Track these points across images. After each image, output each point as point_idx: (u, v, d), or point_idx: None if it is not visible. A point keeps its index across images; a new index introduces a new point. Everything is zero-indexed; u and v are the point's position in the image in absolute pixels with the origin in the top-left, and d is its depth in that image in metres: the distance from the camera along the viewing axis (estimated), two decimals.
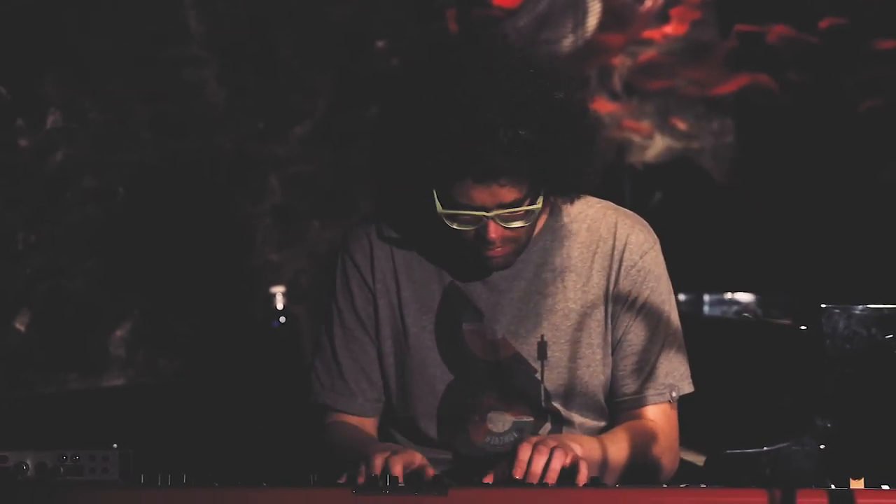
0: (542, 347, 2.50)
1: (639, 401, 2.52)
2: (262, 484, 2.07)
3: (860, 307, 2.48)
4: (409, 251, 2.55)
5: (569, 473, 2.20)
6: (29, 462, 2.11)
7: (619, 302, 2.51)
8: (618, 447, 2.42)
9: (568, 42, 5.09)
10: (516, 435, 2.51)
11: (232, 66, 4.49)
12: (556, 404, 2.51)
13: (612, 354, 2.53)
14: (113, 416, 4.07)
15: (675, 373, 2.53)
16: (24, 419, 3.95)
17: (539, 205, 2.38)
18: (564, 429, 2.51)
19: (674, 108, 5.33)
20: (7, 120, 4.02)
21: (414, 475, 2.22)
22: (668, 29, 5.27)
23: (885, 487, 2.09)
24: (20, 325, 4.05)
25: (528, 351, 2.50)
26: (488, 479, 2.24)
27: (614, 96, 5.25)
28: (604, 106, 5.16)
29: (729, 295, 3.95)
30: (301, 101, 4.66)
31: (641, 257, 2.52)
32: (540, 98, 2.32)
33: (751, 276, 4.41)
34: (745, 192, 5.26)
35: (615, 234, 2.53)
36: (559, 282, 2.52)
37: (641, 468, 2.46)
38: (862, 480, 2.15)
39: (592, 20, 5.05)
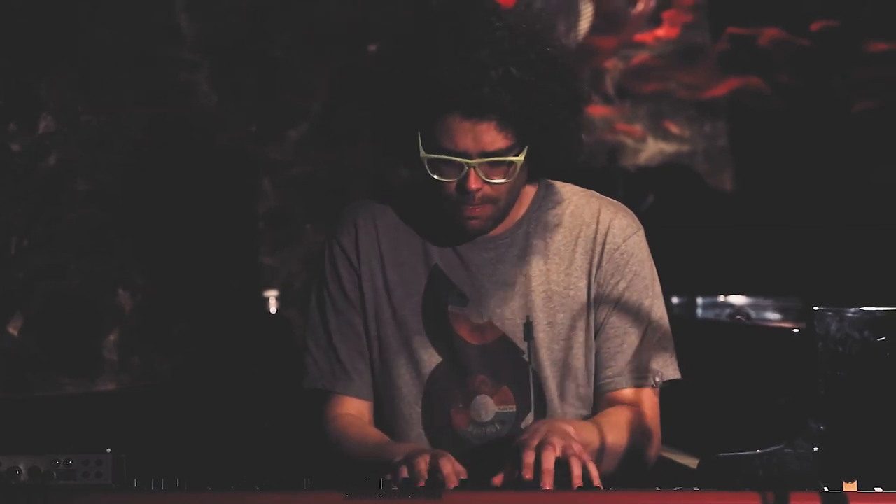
0: (529, 328, 2.51)
1: (621, 384, 2.53)
2: (255, 488, 2.07)
3: (852, 310, 2.48)
4: (394, 234, 2.58)
5: (566, 473, 2.20)
6: (21, 466, 2.10)
7: (602, 285, 2.53)
8: (615, 435, 2.42)
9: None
10: (498, 427, 2.52)
11: (225, 68, 4.49)
12: (542, 387, 2.51)
13: (595, 338, 2.53)
14: (106, 420, 4.06)
15: (659, 358, 2.53)
16: (17, 423, 3.94)
17: (521, 158, 2.39)
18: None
19: (666, 112, 5.34)
20: None
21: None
22: (660, 32, 5.28)
23: (879, 490, 2.10)
24: (13, 330, 4.04)
25: (515, 332, 2.52)
26: (497, 481, 2.23)
27: (607, 99, 5.25)
28: (596, 109, 5.17)
29: (722, 298, 3.95)
30: (295, 104, 4.65)
31: (624, 241, 2.54)
32: (532, 47, 2.38)
33: (743, 278, 4.41)
34: (737, 195, 5.26)
35: (598, 218, 2.55)
36: (542, 265, 2.53)
37: (630, 454, 2.46)
38: (855, 483, 2.15)
39: (584, 23, 5.06)
